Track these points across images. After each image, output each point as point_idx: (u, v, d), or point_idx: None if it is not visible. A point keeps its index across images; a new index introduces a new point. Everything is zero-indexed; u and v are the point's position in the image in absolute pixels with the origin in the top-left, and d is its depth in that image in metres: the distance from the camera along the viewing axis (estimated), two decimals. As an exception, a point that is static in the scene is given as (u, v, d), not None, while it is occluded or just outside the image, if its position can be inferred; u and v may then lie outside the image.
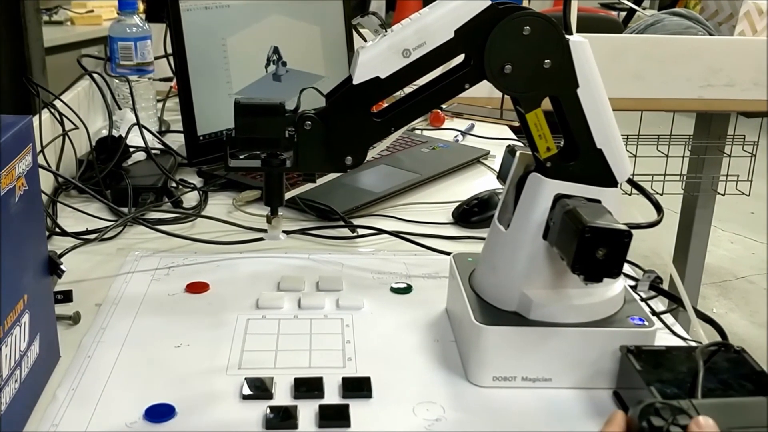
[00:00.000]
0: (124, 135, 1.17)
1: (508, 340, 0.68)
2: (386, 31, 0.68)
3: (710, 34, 1.99)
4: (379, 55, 0.67)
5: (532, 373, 0.69)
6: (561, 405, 0.67)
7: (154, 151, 1.19)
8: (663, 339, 0.75)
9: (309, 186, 1.01)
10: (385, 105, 0.71)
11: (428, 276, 0.90)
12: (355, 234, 1.02)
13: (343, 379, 0.68)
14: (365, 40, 0.79)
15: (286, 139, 0.69)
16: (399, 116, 0.70)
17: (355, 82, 0.67)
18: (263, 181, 0.73)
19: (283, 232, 0.99)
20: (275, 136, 0.69)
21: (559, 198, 0.68)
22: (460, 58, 0.68)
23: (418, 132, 1.56)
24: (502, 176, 0.79)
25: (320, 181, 1.02)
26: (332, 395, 0.67)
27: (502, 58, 0.66)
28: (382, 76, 0.67)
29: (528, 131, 0.69)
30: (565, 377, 0.69)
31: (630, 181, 0.75)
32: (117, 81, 1.34)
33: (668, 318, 0.81)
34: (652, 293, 0.80)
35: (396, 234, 1.01)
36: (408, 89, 0.71)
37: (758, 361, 0.65)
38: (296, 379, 0.68)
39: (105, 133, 1.21)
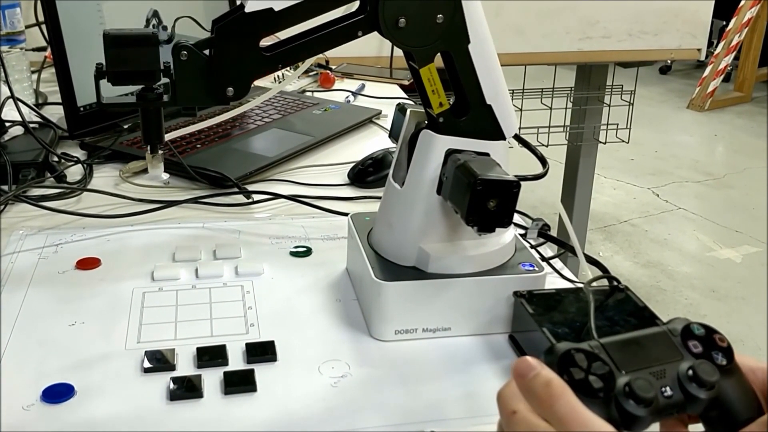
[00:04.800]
0: (-3, 109, 1.10)
1: (407, 294, 0.70)
2: None
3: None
4: None
5: (432, 324, 0.71)
6: (460, 352, 0.70)
7: (32, 125, 1.13)
8: (554, 283, 0.79)
9: (203, 124, 0.99)
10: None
11: (327, 238, 0.91)
12: (250, 200, 1.01)
13: (247, 344, 0.68)
14: None
15: (161, 71, 0.66)
16: (288, 53, 0.69)
17: (247, 10, 0.65)
18: (140, 118, 0.70)
19: (175, 202, 0.97)
20: (149, 68, 0.66)
21: (450, 153, 0.69)
22: (357, 5, 0.68)
23: (308, 94, 1.55)
24: (393, 135, 0.80)
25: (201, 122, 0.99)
26: (237, 362, 0.66)
27: (397, 12, 0.66)
28: (276, 9, 0.65)
29: (421, 87, 0.70)
30: (464, 325, 0.71)
31: (516, 137, 0.77)
32: (-15, 52, 1.26)
33: (557, 263, 0.85)
34: (541, 240, 0.84)
35: (292, 198, 1.00)
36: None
37: (641, 298, 0.69)
38: (198, 349, 0.67)
39: (-25, 107, 1.14)
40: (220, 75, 0.67)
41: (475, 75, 0.69)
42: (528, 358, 0.46)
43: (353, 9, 0.68)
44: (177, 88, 0.67)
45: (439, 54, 0.69)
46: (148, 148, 0.72)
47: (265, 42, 0.68)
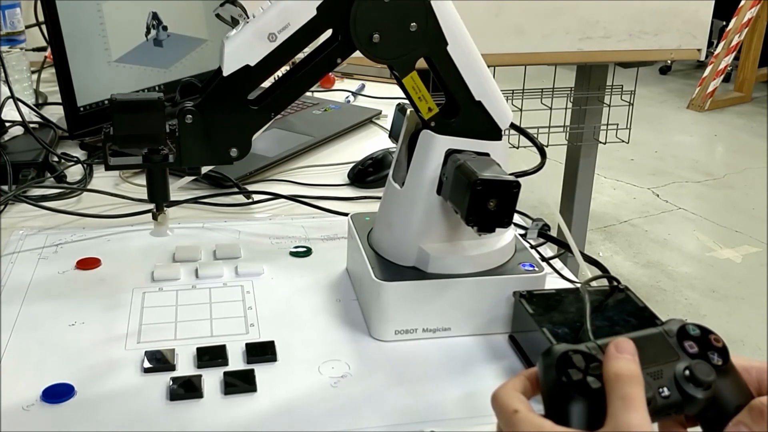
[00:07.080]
0: (-3, 109, 1.10)
1: (407, 294, 0.70)
2: (248, 18, 0.67)
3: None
4: (245, 43, 0.65)
5: (432, 324, 0.71)
6: (460, 352, 0.70)
7: (32, 125, 1.13)
8: (554, 283, 0.78)
9: (191, 177, 1.00)
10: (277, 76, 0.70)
11: (327, 238, 0.91)
12: (250, 200, 1.01)
13: (247, 344, 0.68)
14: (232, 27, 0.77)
15: (166, 133, 0.67)
16: (276, 101, 0.69)
17: (225, 73, 0.65)
18: (146, 178, 0.71)
19: (175, 202, 0.97)
20: (155, 132, 0.67)
21: (450, 153, 0.70)
22: (328, 33, 0.68)
23: (308, 94, 1.55)
24: (393, 135, 0.80)
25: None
26: (237, 362, 0.66)
27: (369, 29, 0.66)
28: (252, 64, 0.65)
29: (408, 95, 0.70)
30: (464, 325, 0.71)
31: (514, 126, 0.77)
32: (-15, 52, 1.26)
33: (557, 263, 0.85)
34: (541, 240, 0.84)
35: (292, 198, 1.00)
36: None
37: (641, 298, 0.69)
38: (198, 349, 0.67)
39: (-24, 107, 1.14)
40: (219, 138, 0.68)
41: (459, 74, 0.69)
42: (631, 342, 0.47)
43: (325, 38, 0.68)
44: (182, 150, 0.68)
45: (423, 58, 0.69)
46: (154, 206, 0.73)
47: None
